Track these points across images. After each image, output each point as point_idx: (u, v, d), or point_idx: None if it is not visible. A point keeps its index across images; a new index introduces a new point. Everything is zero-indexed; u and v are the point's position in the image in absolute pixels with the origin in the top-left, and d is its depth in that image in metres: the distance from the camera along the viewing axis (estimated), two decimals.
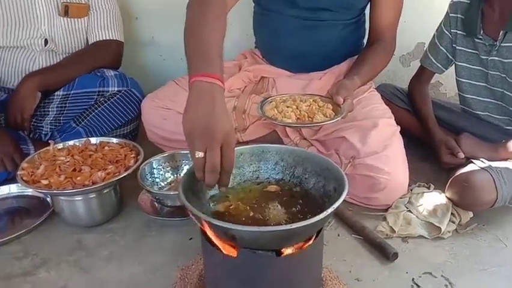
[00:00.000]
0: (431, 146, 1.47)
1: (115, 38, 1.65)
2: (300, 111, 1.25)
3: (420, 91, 1.58)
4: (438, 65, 1.53)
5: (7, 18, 1.51)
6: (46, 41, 1.55)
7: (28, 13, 1.52)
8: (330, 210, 0.75)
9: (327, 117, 1.23)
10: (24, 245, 1.17)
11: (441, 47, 1.50)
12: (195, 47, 0.94)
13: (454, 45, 1.47)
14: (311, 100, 1.30)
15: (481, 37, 1.36)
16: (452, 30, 1.45)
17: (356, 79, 1.30)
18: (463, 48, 1.44)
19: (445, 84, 2.07)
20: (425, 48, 1.95)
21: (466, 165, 1.28)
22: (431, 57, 1.53)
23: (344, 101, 1.23)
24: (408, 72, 2.01)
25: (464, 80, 1.47)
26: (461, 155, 1.34)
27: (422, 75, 1.59)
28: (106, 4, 1.63)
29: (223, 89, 0.86)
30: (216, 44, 0.94)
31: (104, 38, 1.63)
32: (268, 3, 1.45)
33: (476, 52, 1.41)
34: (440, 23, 1.50)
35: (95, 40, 1.63)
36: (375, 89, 1.59)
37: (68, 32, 1.59)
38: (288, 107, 1.27)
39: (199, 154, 0.79)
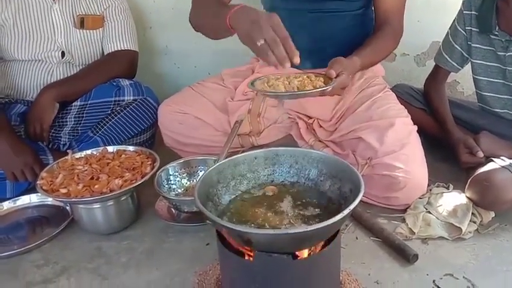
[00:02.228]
0: (449, 146, 1.44)
1: (129, 48, 1.68)
2: (290, 84, 1.20)
3: (436, 90, 1.56)
4: (454, 63, 1.50)
5: (24, 32, 1.55)
6: (63, 53, 1.59)
7: (45, 27, 1.56)
8: (346, 211, 0.74)
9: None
10: (45, 253, 1.20)
11: (456, 45, 1.48)
12: (212, 14, 1.18)
13: (469, 42, 1.44)
14: (304, 76, 1.24)
15: (496, 33, 1.34)
16: (466, 28, 1.43)
17: (354, 58, 1.25)
18: (478, 46, 1.42)
19: (462, 83, 2.03)
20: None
21: (485, 164, 1.25)
22: (446, 56, 1.51)
23: (337, 76, 1.17)
24: (424, 71, 1.98)
25: (481, 78, 1.45)
26: (480, 154, 1.31)
27: (438, 74, 1.56)
28: (120, 15, 1.67)
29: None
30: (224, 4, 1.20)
31: (119, 49, 1.66)
32: (273, 2, 1.45)
33: (493, 49, 1.38)
34: (454, 21, 1.48)
35: (110, 51, 1.66)
36: (390, 89, 1.58)
37: (84, 44, 1.63)
38: (279, 81, 1.23)
39: (261, 41, 0.99)
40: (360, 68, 1.30)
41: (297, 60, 1.00)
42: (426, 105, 1.59)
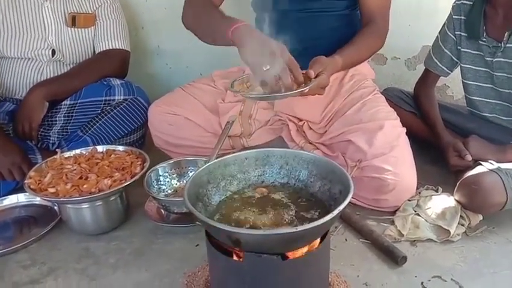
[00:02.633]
0: (438, 149, 1.45)
1: (121, 48, 1.67)
2: None
3: (426, 94, 1.57)
4: (443, 67, 1.52)
5: (15, 29, 1.53)
6: (53, 52, 1.58)
7: (35, 24, 1.55)
8: (335, 212, 0.75)
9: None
10: (32, 253, 1.18)
11: (445, 50, 1.49)
12: (210, 24, 1.24)
13: (458, 47, 1.46)
14: None
15: (484, 39, 1.36)
16: (456, 33, 1.45)
17: (336, 57, 1.26)
18: (467, 50, 1.43)
19: (452, 87, 2.05)
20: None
21: (474, 168, 1.26)
22: (436, 60, 1.52)
23: (317, 76, 1.17)
24: (414, 75, 2.00)
25: (470, 82, 1.46)
26: (469, 158, 1.32)
27: (428, 78, 1.57)
28: (112, 14, 1.66)
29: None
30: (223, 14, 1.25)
31: (110, 48, 1.65)
32: (261, 3, 1.45)
33: (481, 53, 1.40)
34: (444, 25, 1.50)
35: (101, 50, 1.64)
36: (381, 92, 1.59)
37: (75, 42, 1.61)
38: None
39: (267, 67, 1.04)
40: (343, 66, 1.29)
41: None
42: (416, 108, 1.60)
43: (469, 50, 1.43)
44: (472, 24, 1.37)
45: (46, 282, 1.08)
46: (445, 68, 1.52)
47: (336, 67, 1.25)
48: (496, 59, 1.35)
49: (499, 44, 1.33)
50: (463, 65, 1.46)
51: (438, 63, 1.52)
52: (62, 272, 1.11)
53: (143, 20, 2.02)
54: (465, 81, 1.48)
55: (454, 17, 1.44)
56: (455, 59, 1.48)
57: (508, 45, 1.31)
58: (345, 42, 1.34)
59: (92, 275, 1.10)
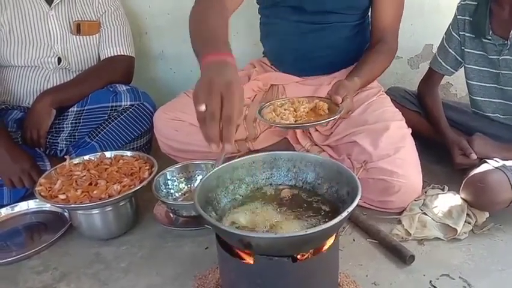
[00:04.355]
0: (443, 148, 1.46)
1: (126, 54, 1.68)
2: (296, 112, 1.25)
3: (430, 93, 1.58)
4: (448, 67, 1.52)
5: (21, 38, 1.55)
6: (59, 60, 1.60)
7: (41, 33, 1.57)
8: (344, 214, 0.76)
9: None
10: (44, 259, 1.20)
11: (450, 50, 1.50)
12: (202, 37, 0.97)
13: (462, 47, 1.46)
14: (309, 102, 1.28)
15: (490, 37, 1.36)
16: (460, 33, 1.46)
17: (355, 79, 1.30)
18: (471, 51, 1.44)
19: (455, 85, 2.06)
20: (433, 50, 1.97)
21: (479, 166, 1.27)
22: (440, 60, 1.53)
23: (342, 101, 1.21)
24: (417, 74, 2.01)
25: (473, 83, 1.47)
26: (474, 156, 1.33)
27: (432, 77, 1.58)
28: (116, 20, 1.67)
29: (234, 64, 0.87)
30: (222, 31, 0.98)
31: (115, 54, 1.66)
32: (274, 11, 1.47)
33: (485, 54, 1.40)
34: (449, 26, 1.51)
35: (106, 56, 1.66)
36: (385, 92, 1.60)
37: (80, 50, 1.63)
38: (285, 109, 1.27)
39: (201, 107, 0.79)
40: (360, 87, 1.35)
41: (227, 148, 0.77)
42: (420, 107, 1.61)
43: (473, 51, 1.43)
44: (477, 22, 1.38)
45: (59, 287, 1.10)
46: (450, 68, 1.52)
47: (356, 89, 1.31)
48: (502, 57, 1.36)
49: (505, 42, 1.33)
50: (466, 65, 1.47)
51: (442, 62, 1.52)
52: (75, 277, 1.13)
53: (146, 25, 2.04)
54: (469, 81, 1.49)
55: (458, 17, 1.45)
56: (459, 59, 1.49)
57: None
58: (354, 49, 1.38)
59: (103, 279, 1.11)
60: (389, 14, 1.41)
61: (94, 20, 1.64)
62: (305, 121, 1.22)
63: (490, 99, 1.45)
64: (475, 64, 1.44)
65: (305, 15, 1.40)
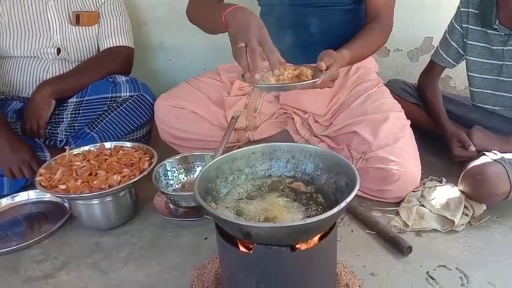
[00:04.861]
0: (441, 140, 1.47)
1: (125, 44, 1.68)
2: (280, 77, 1.19)
3: (430, 86, 1.58)
4: (449, 59, 1.53)
5: (20, 29, 1.55)
6: (59, 50, 1.59)
7: (40, 23, 1.56)
8: (342, 204, 0.76)
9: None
10: (45, 248, 1.21)
11: (452, 42, 1.50)
12: (209, 10, 1.22)
13: (464, 40, 1.46)
14: (295, 69, 1.23)
15: (496, 27, 1.36)
16: (463, 25, 1.46)
17: (344, 51, 1.26)
18: (474, 43, 1.44)
19: (454, 78, 2.06)
20: (432, 43, 1.97)
21: (477, 158, 1.28)
22: (442, 52, 1.53)
23: (328, 68, 1.18)
24: (417, 67, 2.01)
25: (475, 75, 1.47)
26: (472, 148, 1.34)
27: (433, 70, 1.58)
28: (115, 11, 1.67)
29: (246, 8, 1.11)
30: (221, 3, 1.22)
31: (114, 45, 1.66)
32: None
33: (489, 46, 1.40)
34: (452, 19, 1.50)
35: (106, 47, 1.66)
36: (384, 84, 1.60)
37: (79, 40, 1.63)
38: (269, 74, 1.18)
39: (241, 44, 1.02)
40: (350, 61, 1.30)
41: (276, 71, 1.06)
42: (420, 100, 1.61)
43: (476, 43, 1.44)
44: (484, 12, 1.38)
45: (59, 276, 1.11)
46: (451, 60, 1.53)
47: (344, 61, 1.26)
48: (507, 48, 1.36)
49: (509, 32, 1.33)
50: (468, 58, 1.47)
51: (444, 55, 1.53)
52: (74, 266, 1.14)
53: (146, 16, 2.04)
54: (470, 73, 1.49)
55: (461, 9, 1.45)
56: (461, 51, 1.49)
57: None
58: (350, 37, 1.35)
59: (103, 268, 1.12)
60: None
61: (93, 10, 1.63)
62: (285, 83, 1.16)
63: (491, 92, 1.46)
64: (478, 56, 1.44)
65: None
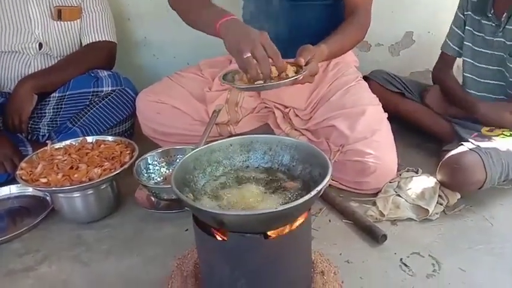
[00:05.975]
0: (421, 132, 1.49)
1: (107, 39, 1.68)
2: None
3: (448, 76, 1.58)
4: (454, 47, 1.55)
5: (1, 23, 1.54)
6: (40, 45, 1.59)
7: (22, 18, 1.56)
8: (313, 192, 0.78)
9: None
10: (26, 242, 1.21)
11: (455, 29, 1.54)
12: (200, 13, 1.26)
13: (466, 27, 1.50)
14: (274, 67, 1.22)
15: (490, 15, 1.40)
16: (465, 13, 1.50)
17: (322, 45, 1.27)
18: (470, 29, 1.48)
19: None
20: (413, 38, 2.00)
21: (456, 148, 1.30)
22: (448, 41, 1.57)
23: (306, 64, 1.20)
24: (398, 61, 2.05)
25: (468, 60, 1.51)
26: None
27: (444, 60, 1.60)
28: (97, 6, 1.67)
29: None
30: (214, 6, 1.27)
31: (97, 40, 1.66)
32: None
33: (482, 34, 1.44)
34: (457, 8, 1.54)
35: (88, 42, 1.66)
36: (367, 76, 1.63)
37: (61, 35, 1.63)
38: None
39: (247, 54, 1.07)
40: (328, 56, 1.31)
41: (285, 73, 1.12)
42: (404, 88, 1.63)
43: (471, 29, 1.48)
44: (482, 1, 1.42)
45: (40, 268, 1.12)
46: (455, 47, 1.55)
47: (322, 55, 1.28)
48: (496, 39, 1.40)
49: (499, 23, 1.37)
50: (465, 43, 1.51)
51: (449, 43, 1.56)
52: (56, 259, 1.15)
53: (129, 11, 2.03)
54: (464, 58, 1.52)
55: None
56: (462, 37, 1.52)
57: (507, 26, 1.36)
58: (329, 33, 1.37)
59: (85, 261, 1.13)
60: None
61: (75, 5, 1.63)
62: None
63: (481, 80, 1.48)
64: (472, 43, 1.48)
65: None
